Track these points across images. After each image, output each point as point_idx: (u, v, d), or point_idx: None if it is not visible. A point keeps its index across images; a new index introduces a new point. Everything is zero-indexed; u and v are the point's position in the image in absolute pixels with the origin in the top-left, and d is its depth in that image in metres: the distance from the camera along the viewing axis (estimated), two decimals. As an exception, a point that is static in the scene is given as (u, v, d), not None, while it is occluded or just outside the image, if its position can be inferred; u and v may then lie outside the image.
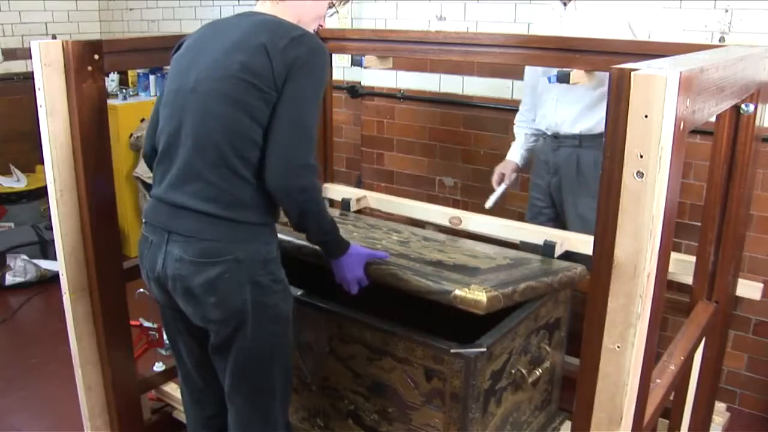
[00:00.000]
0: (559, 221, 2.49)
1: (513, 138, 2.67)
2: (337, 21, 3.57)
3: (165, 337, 1.87)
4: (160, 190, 1.57)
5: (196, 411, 1.81)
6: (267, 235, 1.58)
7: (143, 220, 1.64)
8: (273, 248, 1.60)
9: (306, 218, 1.55)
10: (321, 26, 1.76)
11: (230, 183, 1.50)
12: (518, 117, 2.64)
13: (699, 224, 2.03)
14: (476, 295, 1.56)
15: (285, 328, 1.64)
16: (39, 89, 1.76)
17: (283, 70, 1.47)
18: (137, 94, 4.46)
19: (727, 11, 2.48)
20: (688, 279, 2.10)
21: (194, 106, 1.52)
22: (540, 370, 1.82)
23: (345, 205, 2.43)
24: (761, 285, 2.38)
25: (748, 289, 2.36)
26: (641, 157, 1.04)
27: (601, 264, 1.13)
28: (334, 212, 2.16)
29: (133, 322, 2.26)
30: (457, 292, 1.59)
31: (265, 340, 1.59)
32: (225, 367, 1.63)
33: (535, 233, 2.06)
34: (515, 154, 2.61)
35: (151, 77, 4.41)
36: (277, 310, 1.59)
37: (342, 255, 1.67)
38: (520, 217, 2.64)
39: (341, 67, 3.44)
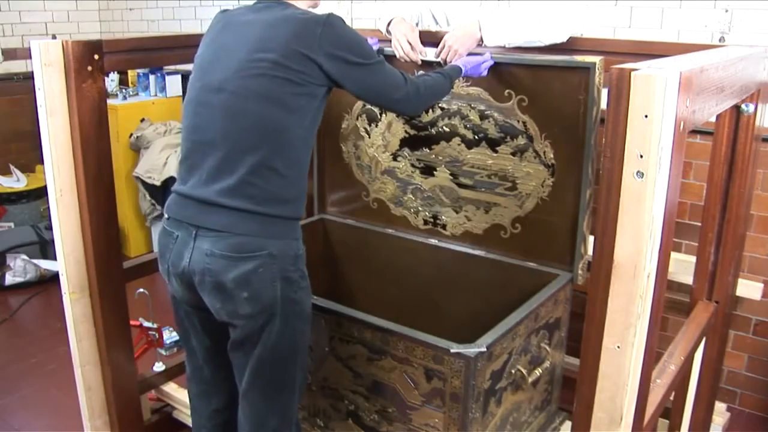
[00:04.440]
0: None
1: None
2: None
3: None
4: (187, 186, 1.57)
5: (202, 403, 1.80)
6: (297, 231, 1.60)
7: (165, 216, 1.64)
8: (301, 244, 1.61)
9: (435, 99, 1.91)
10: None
11: (265, 179, 1.51)
12: None
13: (699, 224, 2.03)
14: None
15: (307, 326, 1.64)
16: (39, 89, 1.76)
17: (331, 62, 1.54)
18: (137, 94, 4.45)
19: (727, 11, 2.48)
20: (688, 279, 2.10)
21: (223, 104, 1.53)
22: (540, 370, 1.82)
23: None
24: (761, 285, 2.38)
25: (748, 289, 2.36)
26: (641, 157, 1.04)
27: (601, 264, 1.13)
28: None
29: (133, 322, 2.26)
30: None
31: (290, 337, 1.59)
32: (244, 364, 1.61)
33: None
34: None
35: (151, 77, 4.41)
36: (303, 306, 1.61)
37: (462, 72, 1.90)
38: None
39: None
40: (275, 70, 1.50)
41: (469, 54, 1.99)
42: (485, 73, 1.97)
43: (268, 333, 1.56)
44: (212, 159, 1.53)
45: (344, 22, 1.60)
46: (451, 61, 2.00)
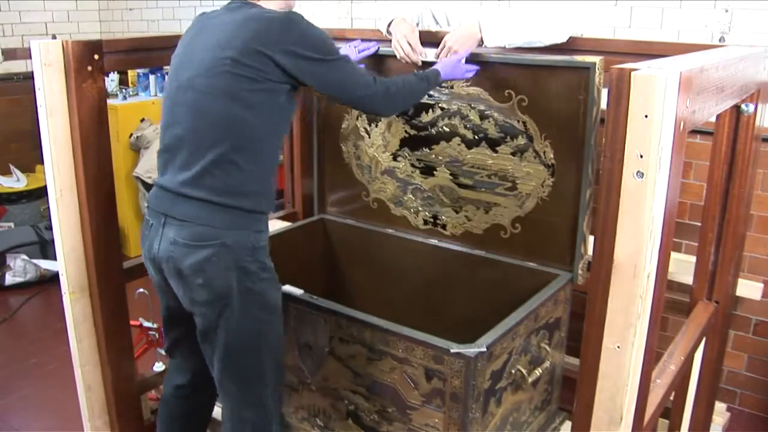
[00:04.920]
0: None
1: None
2: (337, 21, 3.58)
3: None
4: (164, 179, 1.66)
5: (169, 378, 1.93)
6: (258, 223, 1.65)
7: (146, 206, 1.72)
8: (263, 237, 1.66)
9: (410, 100, 1.89)
10: None
11: (225, 172, 1.58)
12: None
13: (699, 224, 2.03)
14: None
15: (272, 316, 1.69)
16: (39, 89, 1.76)
17: (286, 58, 1.56)
18: (137, 94, 4.45)
19: (727, 11, 2.48)
20: (688, 279, 2.10)
21: (192, 102, 1.60)
22: (540, 370, 1.82)
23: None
24: (761, 285, 2.38)
25: (748, 289, 2.36)
26: (641, 157, 1.04)
27: (601, 264, 1.13)
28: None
29: (133, 322, 2.26)
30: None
31: (252, 326, 1.64)
32: (212, 355, 1.68)
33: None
34: None
35: (151, 77, 4.41)
36: (265, 297, 1.65)
37: (441, 77, 1.92)
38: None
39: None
40: (235, 67, 1.55)
41: (469, 54, 1.99)
42: (469, 74, 1.98)
43: (226, 321, 1.62)
44: (182, 153, 1.62)
45: (305, 20, 1.62)
46: None
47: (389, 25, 2.15)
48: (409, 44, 2.04)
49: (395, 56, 2.10)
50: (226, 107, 1.56)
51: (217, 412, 2.09)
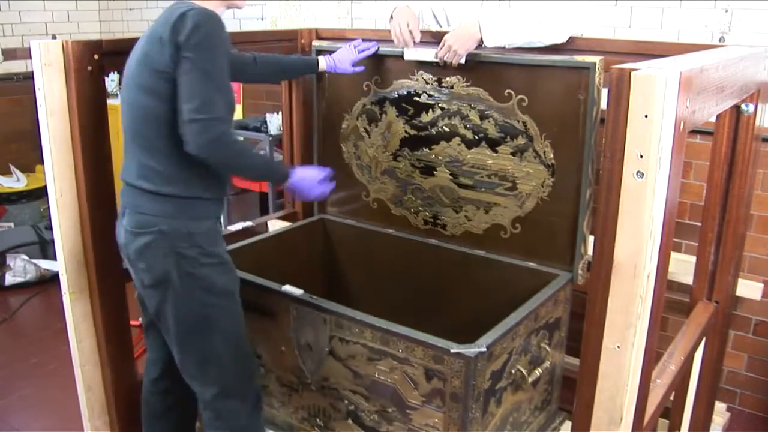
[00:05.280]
0: None
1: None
2: (337, 21, 3.58)
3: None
4: (122, 173, 1.76)
5: (146, 374, 1.98)
6: (196, 210, 1.69)
7: None
8: (202, 223, 1.70)
9: (230, 166, 1.70)
10: None
11: (156, 161, 1.66)
12: None
13: (699, 224, 2.03)
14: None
15: (221, 299, 1.72)
16: (39, 89, 1.76)
17: (174, 50, 1.57)
18: (137, 94, 4.45)
19: (727, 11, 2.48)
20: (688, 279, 2.10)
21: (126, 100, 1.70)
22: (540, 370, 1.82)
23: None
24: (761, 285, 2.39)
25: (748, 289, 2.36)
26: (641, 157, 1.04)
27: (601, 264, 1.13)
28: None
29: (133, 322, 2.26)
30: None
31: (198, 309, 1.69)
32: (168, 337, 1.76)
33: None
34: None
35: (151, 77, 4.40)
36: (209, 282, 1.69)
37: (286, 180, 1.80)
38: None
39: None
40: (147, 60, 1.61)
41: (468, 54, 1.99)
42: (315, 196, 1.87)
43: (171, 305, 1.69)
44: (126, 147, 1.73)
45: (209, 18, 1.58)
46: (450, 61, 2.00)
47: (392, 13, 2.15)
48: (409, 30, 2.04)
49: (395, 56, 2.10)
50: (143, 100, 1.62)
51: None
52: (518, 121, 1.99)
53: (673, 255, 2.02)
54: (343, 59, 2.20)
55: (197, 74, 1.55)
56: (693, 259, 2.04)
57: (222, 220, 4.10)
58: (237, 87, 4.24)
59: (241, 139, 1.70)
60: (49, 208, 1.90)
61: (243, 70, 2.06)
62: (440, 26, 2.30)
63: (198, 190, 1.69)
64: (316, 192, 1.86)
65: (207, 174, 1.69)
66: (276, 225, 2.56)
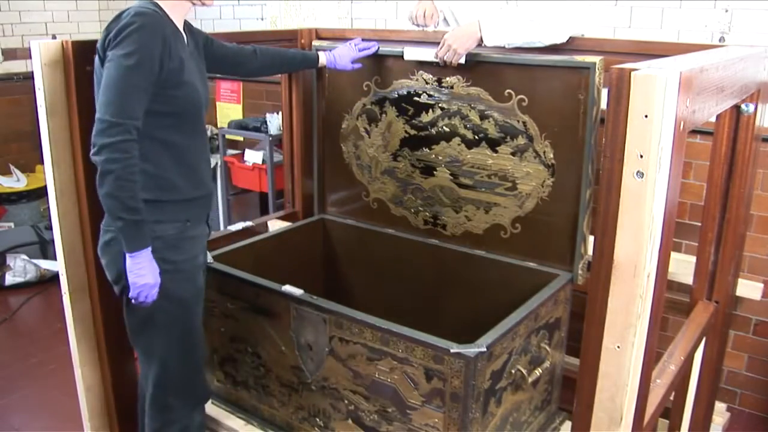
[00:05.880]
0: None
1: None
2: (337, 21, 3.58)
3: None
4: None
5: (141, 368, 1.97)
6: (156, 214, 1.66)
7: None
8: (164, 226, 1.69)
9: (101, 185, 1.54)
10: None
11: None
12: None
13: (699, 224, 2.03)
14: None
15: (171, 304, 1.72)
16: (39, 89, 1.76)
17: (102, 48, 1.58)
18: (137, 94, 4.45)
19: (727, 11, 2.49)
20: (688, 279, 2.10)
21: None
22: (540, 370, 1.82)
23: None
24: (761, 285, 2.38)
25: (748, 289, 2.36)
26: (641, 157, 1.04)
27: (601, 264, 1.13)
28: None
29: (133, 322, 2.26)
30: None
31: (144, 311, 1.70)
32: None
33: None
34: None
35: (151, 77, 4.40)
36: (161, 288, 1.67)
37: (135, 251, 1.59)
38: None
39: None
40: (96, 61, 1.63)
41: (468, 54, 1.99)
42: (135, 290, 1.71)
43: (124, 302, 1.74)
44: None
45: (141, 17, 1.54)
46: (450, 61, 2.00)
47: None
48: (424, 15, 2.18)
49: (395, 56, 2.10)
50: (93, 97, 1.62)
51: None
52: (518, 121, 1.99)
53: (673, 255, 2.02)
54: (342, 56, 2.22)
55: (109, 63, 1.54)
56: (693, 259, 2.04)
57: (222, 220, 4.12)
58: (237, 87, 4.24)
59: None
60: (49, 208, 1.90)
61: (243, 63, 2.05)
62: (449, 27, 2.30)
63: (155, 192, 1.65)
64: (143, 296, 1.63)
65: (163, 175, 1.66)
66: (276, 225, 2.56)
